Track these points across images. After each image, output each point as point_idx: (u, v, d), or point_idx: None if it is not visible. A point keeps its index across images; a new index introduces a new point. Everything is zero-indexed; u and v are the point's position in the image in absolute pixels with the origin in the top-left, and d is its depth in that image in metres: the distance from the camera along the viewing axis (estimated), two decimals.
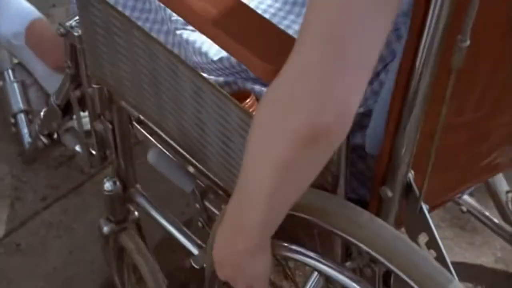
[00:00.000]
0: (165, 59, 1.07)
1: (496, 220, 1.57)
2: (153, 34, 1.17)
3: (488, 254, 1.70)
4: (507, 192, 1.53)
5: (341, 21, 0.73)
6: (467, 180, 1.12)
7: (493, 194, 1.53)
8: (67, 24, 1.26)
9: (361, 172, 1.02)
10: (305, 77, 0.75)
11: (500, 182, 1.51)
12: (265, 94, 0.81)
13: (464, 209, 1.57)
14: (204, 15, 0.96)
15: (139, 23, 1.18)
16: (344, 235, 0.90)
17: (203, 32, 1.00)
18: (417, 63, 0.82)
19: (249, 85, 1.09)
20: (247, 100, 1.07)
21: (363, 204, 0.99)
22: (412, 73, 0.83)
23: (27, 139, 1.71)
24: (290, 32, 1.07)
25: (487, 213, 1.58)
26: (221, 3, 0.97)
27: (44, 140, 1.64)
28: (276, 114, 0.77)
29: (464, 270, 1.68)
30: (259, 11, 1.10)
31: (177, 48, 1.16)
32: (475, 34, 0.78)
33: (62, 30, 1.27)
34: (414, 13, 0.78)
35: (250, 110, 1.06)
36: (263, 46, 0.93)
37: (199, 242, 1.31)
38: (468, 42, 0.78)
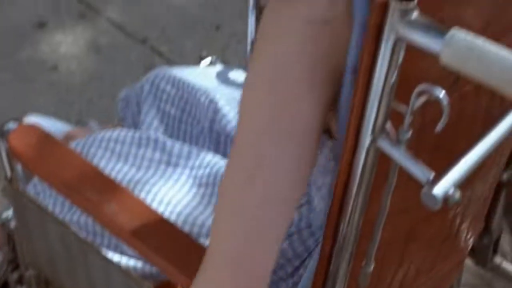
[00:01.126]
0: (98, 258, 1.12)
1: None
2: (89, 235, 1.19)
3: None
4: None
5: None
6: None
7: None
8: (3, 216, 1.29)
9: None
10: None
11: None
12: None
13: None
14: (125, 228, 1.01)
15: (76, 214, 1.18)
16: None
17: (124, 242, 1.04)
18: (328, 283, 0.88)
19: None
20: None
21: None
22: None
23: None
24: (205, 229, 1.12)
25: None
26: (139, 215, 1.03)
27: None
28: None
29: None
30: (174, 215, 1.13)
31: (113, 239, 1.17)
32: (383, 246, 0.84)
33: None
34: (324, 236, 0.84)
35: None
36: (180, 257, 0.99)
37: None
38: (372, 267, 0.85)
